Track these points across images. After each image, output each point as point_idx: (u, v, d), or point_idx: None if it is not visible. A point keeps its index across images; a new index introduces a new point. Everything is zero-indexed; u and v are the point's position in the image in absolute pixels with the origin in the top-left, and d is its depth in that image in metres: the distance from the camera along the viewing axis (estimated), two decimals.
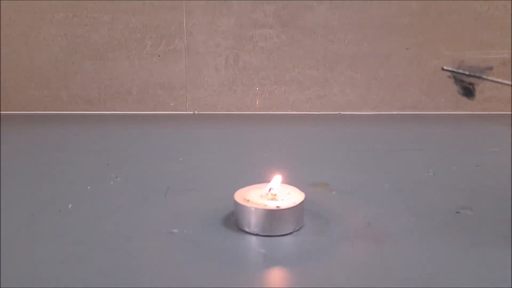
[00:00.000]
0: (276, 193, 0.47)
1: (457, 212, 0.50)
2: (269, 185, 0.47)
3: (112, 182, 0.61)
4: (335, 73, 1.18)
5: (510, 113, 1.18)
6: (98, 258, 0.40)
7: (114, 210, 0.52)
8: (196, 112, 1.21)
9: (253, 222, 0.44)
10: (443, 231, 0.46)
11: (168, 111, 1.21)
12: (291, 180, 0.52)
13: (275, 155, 0.79)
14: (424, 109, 1.20)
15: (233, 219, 0.47)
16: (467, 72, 0.55)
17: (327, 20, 1.16)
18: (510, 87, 1.16)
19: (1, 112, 1.20)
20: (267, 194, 0.46)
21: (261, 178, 0.51)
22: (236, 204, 0.45)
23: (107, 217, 0.50)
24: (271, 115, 1.19)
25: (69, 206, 0.52)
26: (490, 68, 0.55)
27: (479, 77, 0.55)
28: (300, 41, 1.17)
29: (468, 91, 0.56)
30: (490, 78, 0.55)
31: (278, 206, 0.44)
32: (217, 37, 1.17)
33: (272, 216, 0.43)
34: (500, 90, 1.19)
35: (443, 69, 0.56)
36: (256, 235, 0.44)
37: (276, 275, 0.39)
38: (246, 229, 0.45)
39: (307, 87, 1.19)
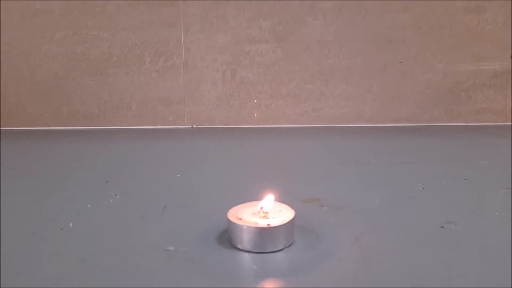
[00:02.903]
0: (267, 211, 0.49)
1: (441, 227, 0.52)
2: (261, 203, 0.49)
3: (111, 200, 0.63)
4: (330, 86, 1.21)
5: (503, 124, 1.21)
6: (97, 276, 0.42)
7: (113, 228, 0.54)
8: (195, 126, 1.23)
9: (245, 240, 0.46)
10: (428, 246, 0.48)
11: (167, 125, 1.24)
12: (285, 196, 0.54)
13: (270, 170, 0.81)
14: (419, 121, 1.22)
15: (227, 236, 0.49)
16: None
17: (321, 35, 1.18)
18: (502, 99, 1.19)
19: (2, 128, 1.23)
20: (258, 212, 0.49)
21: (256, 194, 0.53)
22: (229, 222, 0.47)
23: (106, 235, 0.52)
24: (268, 128, 1.21)
25: (70, 225, 0.54)
26: None
27: None
28: (296, 56, 1.20)
29: None
30: None
31: (268, 224, 0.46)
32: (215, 52, 1.20)
33: (263, 233, 0.46)
34: (493, 102, 1.21)
35: None
36: (248, 252, 0.46)
37: None
38: (239, 246, 0.47)
39: (303, 100, 1.22)
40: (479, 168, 0.79)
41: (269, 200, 0.49)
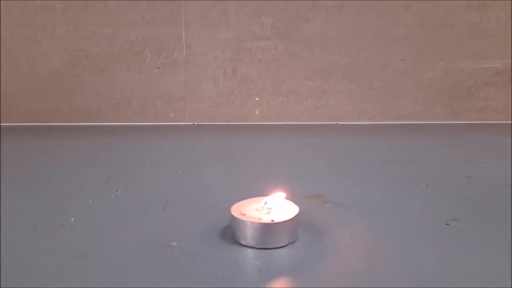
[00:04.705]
0: (271, 207, 0.48)
1: (446, 224, 0.52)
2: (266, 199, 0.49)
3: (113, 196, 0.63)
4: (332, 84, 1.21)
5: (504, 122, 1.20)
6: (99, 271, 0.42)
7: (115, 223, 0.54)
8: (196, 123, 1.23)
9: (248, 236, 0.46)
10: (433, 243, 0.47)
11: (167, 122, 1.23)
12: (288, 192, 0.53)
13: (272, 167, 0.81)
14: (420, 119, 1.22)
15: (230, 232, 0.49)
16: None
17: (323, 32, 1.18)
18: (504, 98, 1.18)
19: (3, 124, 1.22)
20: (262, 208, 0.48)
21: (258, 190, 0.53)
22: (233, 217, 0.47)
23: (108, 230, 0.51)
24: (269, 125, 1.20)
25: (72, 220, 0.54)
26: None
27: None
28: (297, 53, 1.19)
29: None
30: None
31: (272, 220, 0.45)
32: (216, 49, 1.19)
33: (267, 229, 0.45)
34: (495, 100, 1.21)
35: None
36: (252, 247, 0.46)
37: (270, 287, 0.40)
38: (242, 242, 0.46)
39: (305, 97, 1.21)
40: (482, 166, 0.78)
41: (279, 197, 0.49)
